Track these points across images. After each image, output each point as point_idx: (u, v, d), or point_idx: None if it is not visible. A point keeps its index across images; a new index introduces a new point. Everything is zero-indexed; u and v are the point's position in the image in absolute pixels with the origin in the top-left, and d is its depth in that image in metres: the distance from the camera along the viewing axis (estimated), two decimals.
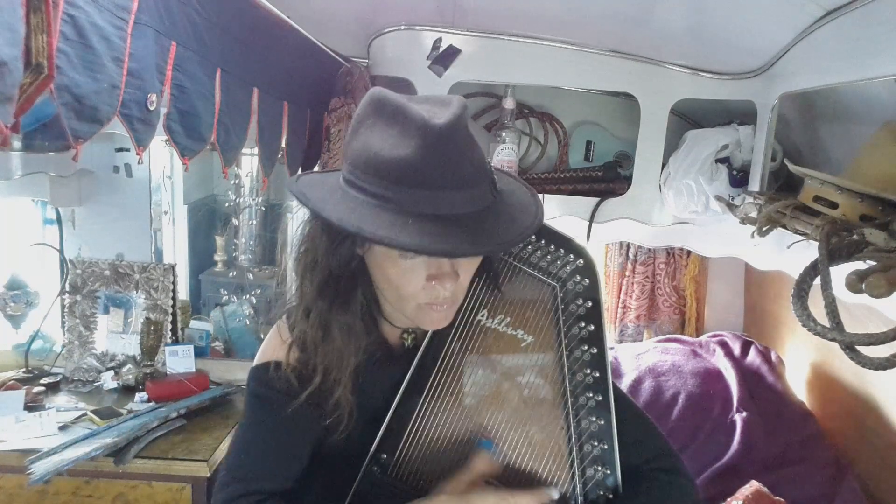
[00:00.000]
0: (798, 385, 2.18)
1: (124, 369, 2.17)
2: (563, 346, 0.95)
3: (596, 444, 0.92)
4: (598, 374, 0.93)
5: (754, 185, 1.77)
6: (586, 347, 0.94)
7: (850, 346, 0.93)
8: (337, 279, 0.88)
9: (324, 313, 0.89)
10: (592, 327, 0.94)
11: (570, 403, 0.93)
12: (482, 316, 0.96)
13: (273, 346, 0.98)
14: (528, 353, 0.95)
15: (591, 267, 0.96)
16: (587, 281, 0.96)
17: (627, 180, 2.09)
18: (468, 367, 0.95)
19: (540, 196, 0.92)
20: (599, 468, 0.92)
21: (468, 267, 0.87)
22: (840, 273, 0.94)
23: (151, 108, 1.02)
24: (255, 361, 0.99)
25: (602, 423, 0.93)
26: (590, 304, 0.95)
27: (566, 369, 0.94)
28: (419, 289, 0.84)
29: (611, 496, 0.92)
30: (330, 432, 0.92)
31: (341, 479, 0.93)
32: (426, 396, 0.93)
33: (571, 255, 0.96)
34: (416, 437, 0.93)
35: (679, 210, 1.97)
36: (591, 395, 0.93)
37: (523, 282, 0.97)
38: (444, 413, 0.93)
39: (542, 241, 0.96)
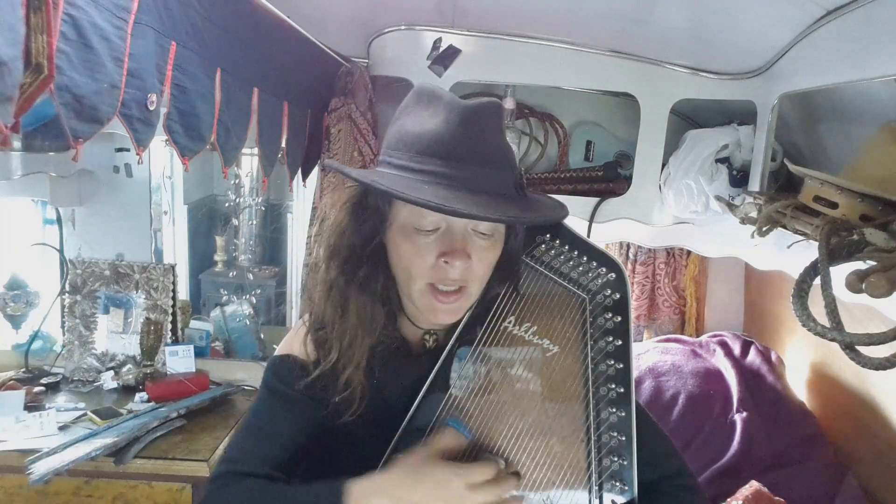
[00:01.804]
0: (798, 385, 2.18)
1: (124, 369, 2.17)
2: (589, 360, 0.94)
3: (615, 458, 0.92)
4: (622, 390, 0.92)
5: (754, 185, 1.77)
6: (612, 362, 0.93)
7: (850, 346, 0.93)
8: (359, 259, 0.92)
9: (343, 290, 0.93)
10: (620, 342, 0.93)
11: (591, 417, 0.92)
12: (509, 322, 0.95)
13: (294, 338, 1.00)
14: (553, 364, 0.94)
15: (622, 281, 0.95)
16: (617, 295, 0.95)
17: (627, 180, 2.09)
18: (492, 372, 0.94)
19: None
20: (617, 483, 0.92)
21: (482, 255, 0.87)
22: (840, 273, 0.94)
23: (151, 108, 1.02)
24: (276, 352, 1.02)
25: (623, 438, 0.92)
26: (619, 318, 0.94)
27: (590, 382, 0.93)
28: (428, 267, 0.85)
29: None
30: (338, 417, 0.92)
31: (353, 474, 0.93)
32: (449, 397, 0.92)
33: (603, 268, 0.95)
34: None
35: (679, 210, 1.96)
36: (613, 410, 0.92)
37: (552, 291, 0.96)
38: (465, 416, 0.92)
39: (575, 252, 0.95)
